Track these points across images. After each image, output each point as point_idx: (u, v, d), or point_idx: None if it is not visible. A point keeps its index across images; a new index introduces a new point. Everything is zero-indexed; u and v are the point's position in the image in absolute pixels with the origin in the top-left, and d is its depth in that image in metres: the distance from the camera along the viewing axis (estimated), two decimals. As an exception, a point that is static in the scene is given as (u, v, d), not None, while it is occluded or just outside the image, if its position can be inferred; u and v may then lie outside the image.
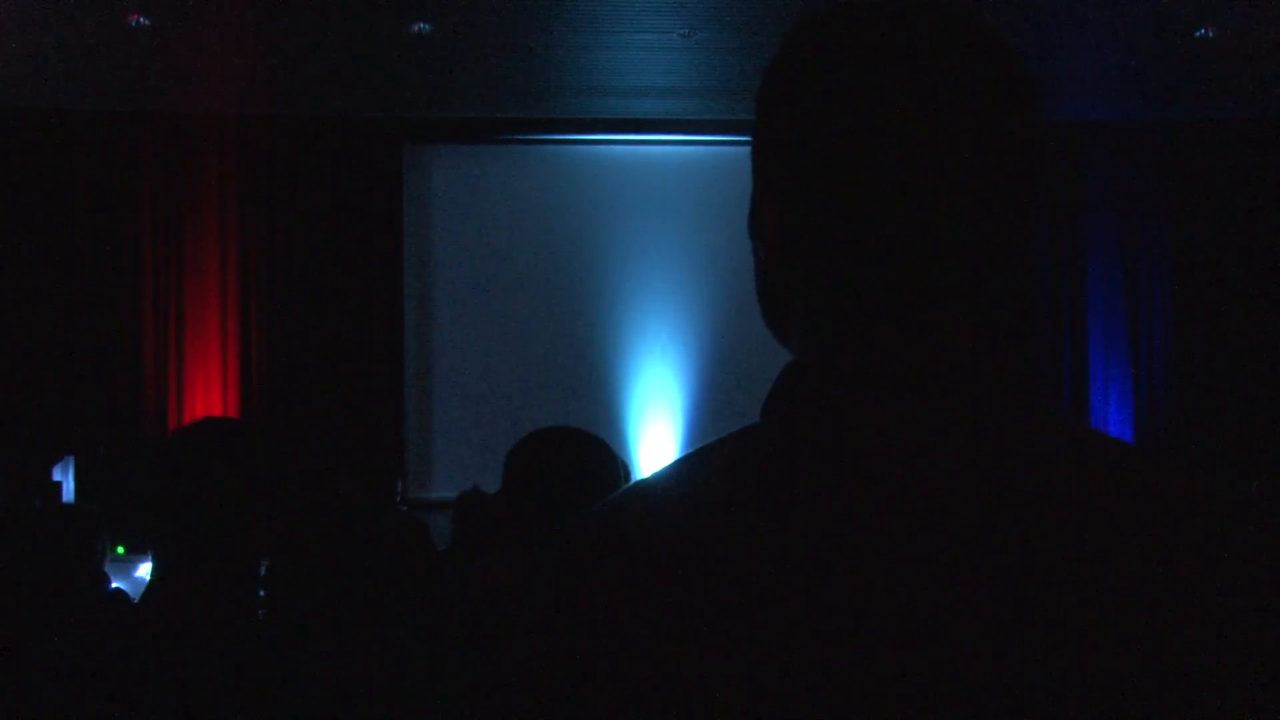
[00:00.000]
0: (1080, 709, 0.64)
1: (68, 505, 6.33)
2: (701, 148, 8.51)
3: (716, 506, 0.70)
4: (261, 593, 2.33)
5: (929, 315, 0.74)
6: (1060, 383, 8.49)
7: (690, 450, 0.77)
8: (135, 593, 3.76)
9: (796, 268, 0.78)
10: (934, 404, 0.72)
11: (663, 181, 8.53)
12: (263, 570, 2.29)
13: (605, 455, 2.06)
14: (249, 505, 1.66)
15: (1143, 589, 0.66)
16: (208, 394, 8.21)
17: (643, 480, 0.77)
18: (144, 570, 5.22)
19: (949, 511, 0.68)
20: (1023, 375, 0.75)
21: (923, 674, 0.65)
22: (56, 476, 7.02)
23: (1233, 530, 0.69)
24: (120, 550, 4.86)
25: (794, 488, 0.70)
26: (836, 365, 0.75)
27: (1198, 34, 6.80)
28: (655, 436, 8.47)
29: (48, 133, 8.06)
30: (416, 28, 6.64)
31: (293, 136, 8.30)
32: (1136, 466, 0.72)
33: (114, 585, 3.66)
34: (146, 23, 6.49)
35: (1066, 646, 0.65)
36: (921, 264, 0.73)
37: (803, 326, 0.79)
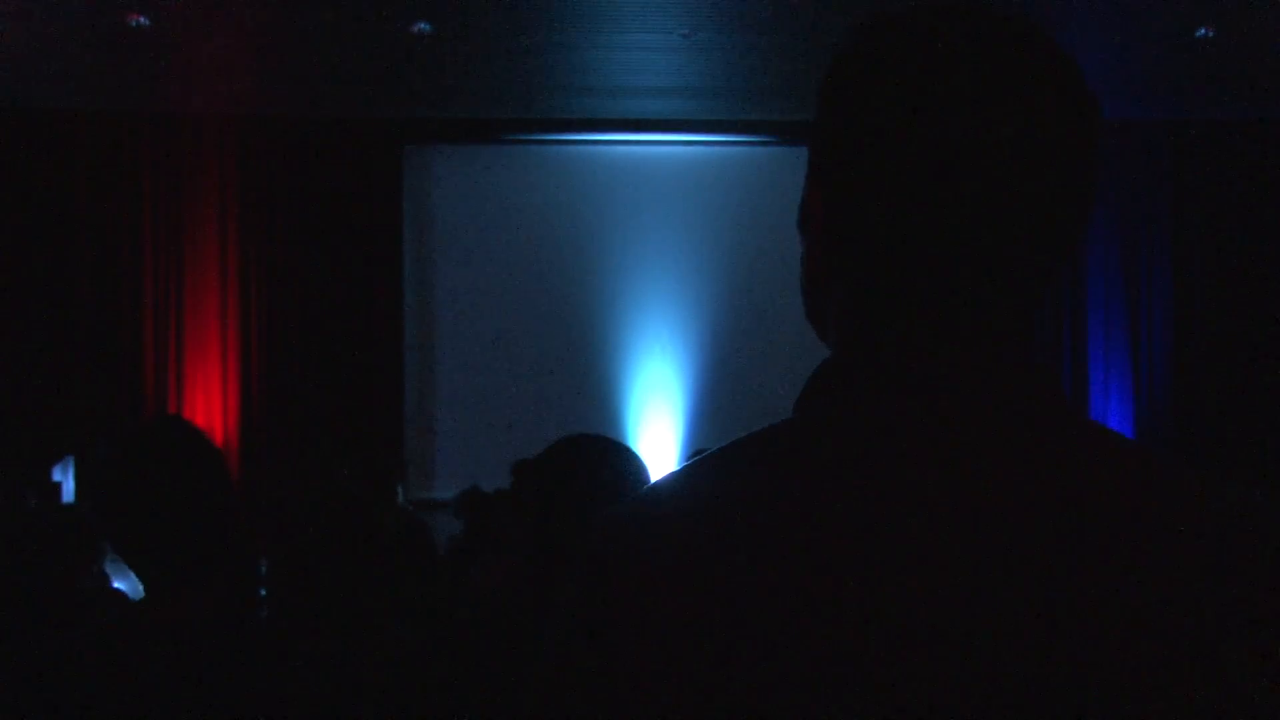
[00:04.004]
0: (1117, 712, 0.64)
1: (67, 505, 6.34)
2: (701, 148, 8.50)
3: (747, 504, 0.70)
4: (262, 592, 2.33)
5: (967, 321, 0.74)
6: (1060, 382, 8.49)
7: (717, 447, 0.77)
8: (135, 593, 3.75)
9: (838, 265, 0.78)
10: (969, 410, 0.72)
11: (662, 181, 8.53)
12: (263, 569, 2.30)
13: (638, 466, 2.05)
14: (202, 499, 1.66)
15: (1180, 594, 0.67)
16: (208, 394, 8.21)
17: (669, 476, 0.77)
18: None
19: (983, 517, 0.68)
20: (1054, 382, 0.75)
21: (960, 679, 0.65)
22: (56, 476, 7.03)
23: (1259, 535, 0.70)
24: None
25: (826, 489, 0.70)
26: (873, 366, 0.75)
27: (1198, 34, 6.80)
28: (655, 435, 8.47)
29: (48, 133, 8.06)
30: (416, 28, 6.64)
31: (293, 136, 8.31)
32: (1167, 474, 0.73)
33: (114, 585, 3.66)
34: (146, 23, 6.49)
35: (1102, 651, 0.65)
36: (964, 270, 0.73)
37: (841, 324, 0.79)
